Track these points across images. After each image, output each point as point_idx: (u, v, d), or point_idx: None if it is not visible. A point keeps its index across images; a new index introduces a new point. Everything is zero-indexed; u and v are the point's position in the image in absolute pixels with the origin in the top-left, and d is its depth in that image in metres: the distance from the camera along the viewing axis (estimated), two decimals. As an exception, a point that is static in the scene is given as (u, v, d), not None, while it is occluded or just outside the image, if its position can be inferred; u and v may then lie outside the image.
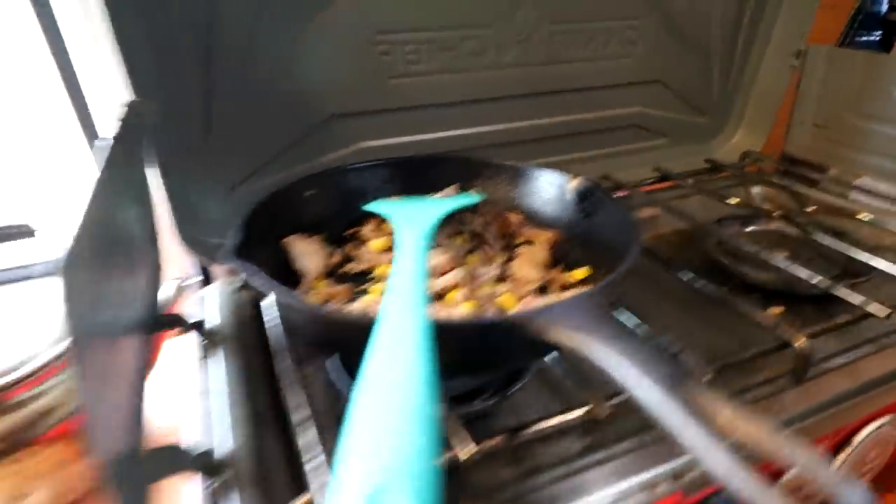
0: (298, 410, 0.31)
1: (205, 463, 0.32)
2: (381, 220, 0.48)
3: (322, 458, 0.28)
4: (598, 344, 0.26)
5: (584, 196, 0.46)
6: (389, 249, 0.45)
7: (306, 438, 0.30)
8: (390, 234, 0.46)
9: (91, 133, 0.59)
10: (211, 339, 0.43)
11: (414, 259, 0.32)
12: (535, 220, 0.49)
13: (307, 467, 0.28)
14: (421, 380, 0.22)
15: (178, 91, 0.48)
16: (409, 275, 0.30)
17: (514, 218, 0.49)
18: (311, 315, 0.33)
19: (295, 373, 0.34)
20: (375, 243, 0.46)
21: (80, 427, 0.23)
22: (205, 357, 0.41)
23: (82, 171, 0.61)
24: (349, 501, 0.17)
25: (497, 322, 0.31)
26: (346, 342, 0.32)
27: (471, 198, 0.48)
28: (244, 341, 0.43)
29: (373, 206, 0.45)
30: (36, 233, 0.45)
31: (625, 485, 0.32)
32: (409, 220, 0.39)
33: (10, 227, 0.45)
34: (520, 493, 0.32)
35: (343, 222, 0.49)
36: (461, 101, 0.61)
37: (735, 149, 0.76)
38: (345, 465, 0.19)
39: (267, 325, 0.40)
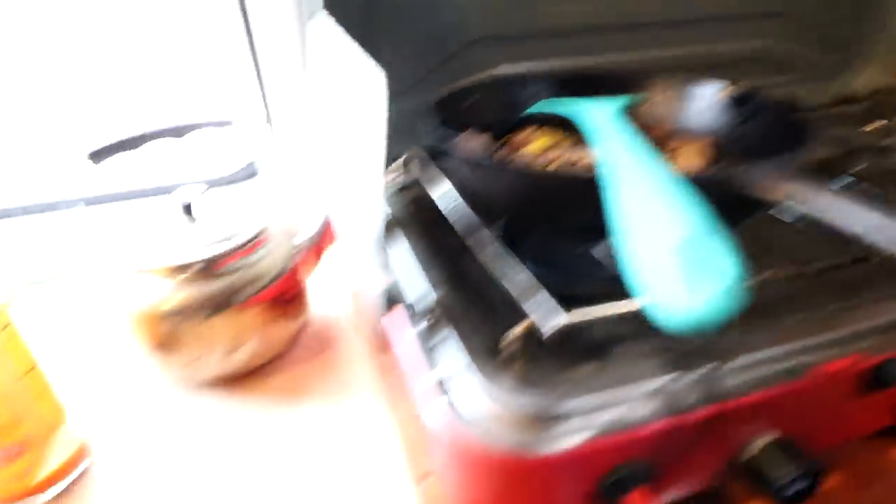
0: (506, 261, 0.35)
1: (415, 306, 0.37)
2: (532, 130, 0.51)
3: (544, 292, 0.32)
4: (811, 190, 0.29)
5: (741, 101, 0.47)
6: (547, 150, 0.49)
7: (520, 278, 0.33)
8: (545, 137, 0.50)
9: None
10: (387, 226, 0.48)
11: (617, 128, 0.35)
12: (687, 130, 0.51)
13: (527, 304, 0.32)
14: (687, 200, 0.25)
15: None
16: (622, 139, 0.33)
17: (665, 127, 0.51)
18: (525, 172, 0.37)
19: (490, 237, 0.38)
20: (534, 145, 0.49)
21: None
22: (384, 239, 0.46)
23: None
24: (663, 249, 0.21)
25: (727, 176, 0.33)
26: (564, 199, 0.36)
27: (631, 98, 0.49)
28: (418, 227, 0.47)
29: (542, 106, 0.48)
30: (232, 123, 0.51)
31: (799, 344, 0.34)
32: (589, 109, 0.41)
33: (208, 121, 0.51)
34: (686, 351, 0.32)
35: (498, 131, 0.52)
36: (595, 27, 0.63)
37: (865, 85, 0.74)
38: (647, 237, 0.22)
39: (445, 210, 0.44)
